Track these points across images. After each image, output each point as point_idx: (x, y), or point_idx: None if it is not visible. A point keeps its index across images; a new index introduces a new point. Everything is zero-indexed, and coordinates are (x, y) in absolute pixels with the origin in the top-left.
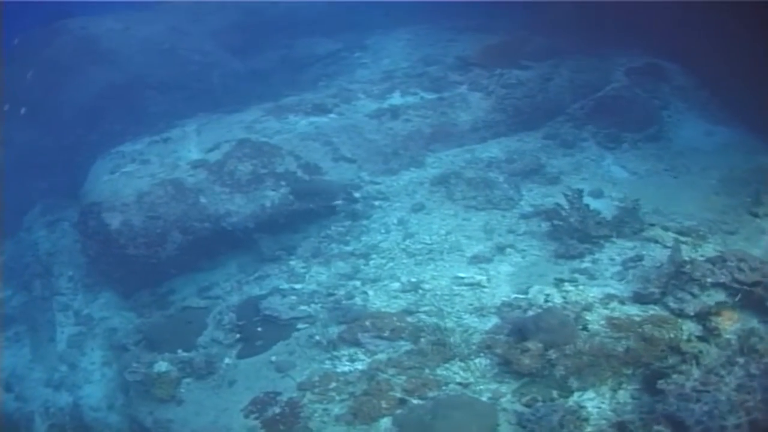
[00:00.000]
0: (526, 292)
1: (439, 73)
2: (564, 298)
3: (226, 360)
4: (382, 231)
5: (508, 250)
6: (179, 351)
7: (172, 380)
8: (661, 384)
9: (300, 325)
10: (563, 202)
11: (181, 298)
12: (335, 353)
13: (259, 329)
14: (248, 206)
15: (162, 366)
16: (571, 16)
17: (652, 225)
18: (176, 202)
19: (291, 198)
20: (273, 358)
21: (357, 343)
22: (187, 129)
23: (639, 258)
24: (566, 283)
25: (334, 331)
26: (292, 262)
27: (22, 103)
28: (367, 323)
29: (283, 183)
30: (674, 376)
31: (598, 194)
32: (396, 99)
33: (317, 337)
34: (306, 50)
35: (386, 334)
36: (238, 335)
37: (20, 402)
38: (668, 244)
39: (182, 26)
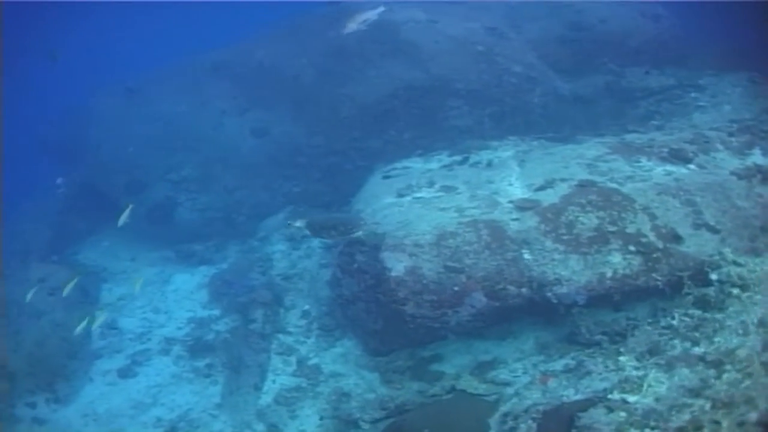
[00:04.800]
0: None
1: None
2: None
3: None
4: (740, 332)
5: None
6: None
7: None
8: None
9: None
10: None
11: (452, 372)
12: None
13: None
14: (584, 273)
15: None
16: None
17: None
18: (490, 252)
19: (639, 269)
20: None
21: None
22: (502, 154)
23: None
24: None
25: None
26: (621, 358)
27: (294, 92)
28: None
29: (632, 248)
30: None
31: None
32: (758, 157)
33: None
34: (636, 81)
35: None
36: None
37: None
38: None
39: (501, 29)
